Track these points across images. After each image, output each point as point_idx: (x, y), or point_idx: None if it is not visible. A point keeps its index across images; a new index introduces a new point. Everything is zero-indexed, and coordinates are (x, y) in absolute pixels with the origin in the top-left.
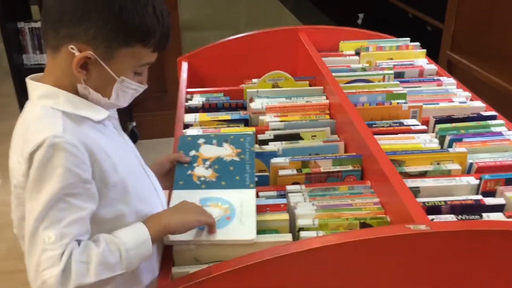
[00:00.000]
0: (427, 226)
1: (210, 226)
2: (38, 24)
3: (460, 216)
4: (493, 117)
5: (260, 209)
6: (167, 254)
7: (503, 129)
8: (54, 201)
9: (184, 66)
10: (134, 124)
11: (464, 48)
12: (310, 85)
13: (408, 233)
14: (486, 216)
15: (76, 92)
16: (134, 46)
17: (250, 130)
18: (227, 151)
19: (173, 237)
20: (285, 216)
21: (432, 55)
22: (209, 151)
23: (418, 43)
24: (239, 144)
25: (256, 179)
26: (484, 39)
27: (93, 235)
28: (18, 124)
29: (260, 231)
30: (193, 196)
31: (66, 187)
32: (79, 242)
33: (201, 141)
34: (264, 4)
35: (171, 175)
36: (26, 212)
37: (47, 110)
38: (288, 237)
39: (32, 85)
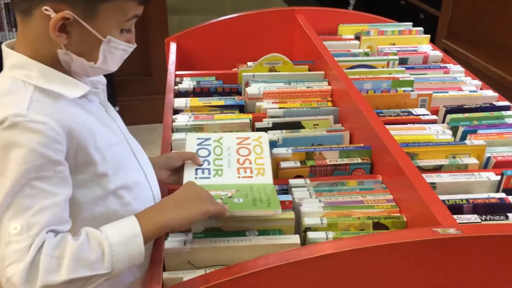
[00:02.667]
0: (457, 230)
1: (223, 216)
2: None
3: (484, 217)
4: (507, 108)
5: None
6: (157, 257)
7: None
8: (19, 187)
9: (173, 47)
10: (117, 109)
11: (461, 36)
12: (309, 70)
13: (436, 238)
14: None
15: (55, 60)
16: None
17: (247, 117)
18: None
19: None
20: (290, 215)
21: None
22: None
23: (421, 28)
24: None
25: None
26: (481, 28)
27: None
28: None
29: (262, 232)
30: None
31: (32, 169)
32: (56, 234)
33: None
34: None
35: (179, 173)
36: None
37: (17, 83)
38: (295, 239)
39: (6, 52)
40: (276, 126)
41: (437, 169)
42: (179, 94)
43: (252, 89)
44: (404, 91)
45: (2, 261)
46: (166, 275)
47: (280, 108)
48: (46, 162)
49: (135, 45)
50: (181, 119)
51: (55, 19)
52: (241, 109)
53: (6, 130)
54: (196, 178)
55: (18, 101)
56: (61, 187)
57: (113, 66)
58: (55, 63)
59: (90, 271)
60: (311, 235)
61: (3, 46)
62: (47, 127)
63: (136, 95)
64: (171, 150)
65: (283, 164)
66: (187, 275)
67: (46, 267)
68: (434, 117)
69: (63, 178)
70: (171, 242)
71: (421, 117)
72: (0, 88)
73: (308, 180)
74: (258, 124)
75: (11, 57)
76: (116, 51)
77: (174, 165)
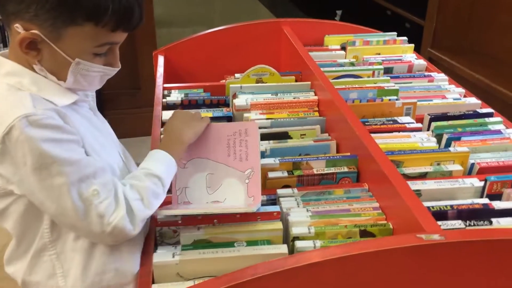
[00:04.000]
0: (440, 236)
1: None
2: None
3: (468, 222)
4: (489, 115)
5: (250, 218)
6: (146, 269)
7: (501, 127)
8: (69, 166)
9: (161, 60)
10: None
11: (446, 45)
12: (296, 81)
13: (420, 244)
14: (496, 221)
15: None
16: (83, 25)
17: None
18: None
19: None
20: (278, 225)
21: None
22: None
23: (405, 38)
24: None
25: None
26: (465, 36)
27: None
28: None
29: (250, 243)
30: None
31: (67, 149)
32: (122, 183)
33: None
34: (239, 1)
35: None
36: (42, 197)
37: (13, 88)
38: (283, 248)
39: (0, 61)
40: (263, 137)
41: (422, 176)
42: (167, 106)
43: (240, 101)
44: (390, 100)
45: (101, 218)
46: (155, 287)
47: (267, 119)
48: (72, 140)
49: (118, 67)
50: None
51: (21, 37)
52: (229, 120)
53: (25, 131)
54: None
55: (20, 103)
56: (94, 153)
57: (91, 86)
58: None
59: (160, 200)
60: (299, 244)
61: None
62: (55, 118)
63: (124, 108)
64: None
65: (271, 174)
66: (176, 287)
67: (137, 208)
68: (419, 125)
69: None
70: (160, 254)
71: (406, 125)
72: (0, 92)
73: (295, 190)
74: None
75: (4, 65)
76: (90, 73)
77: None
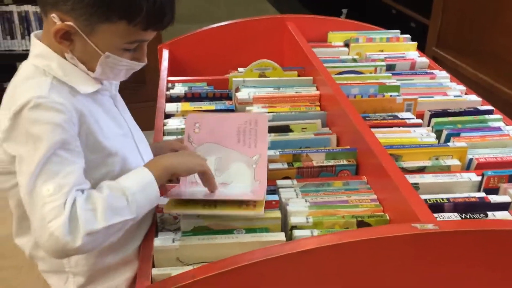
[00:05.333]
0: (435, 226)
1: (208, 179)
2: (8, 8)
3: (464, 215)
4: (490, 112)
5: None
6: (147, 254)
7: (501, 124)
8: (47, 156)
9: (165, 53)
10: None
11: (450, 44)
12: (298, 76)
13: (414, 233)
14: (492, 214)
15: None
16: (117, 23)
17: None
18: None
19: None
20: (277, 214)
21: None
22: None
23: (408, 36)
24: None
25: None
26: (470, 36)
27: None
28: (13, 79)
29: (249, 230)
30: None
31: (57, 141)
32: (82, 191)
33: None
34: None
35: None
36: (19, 175)
37: (38, 70)
38: (281, 236)
39: (33, 42)
40: None
41: (421, 170)
42: (171, 99)
43: (242, 94)
44: (391, 96)
45: (42, 221)
46: (155, 271)
47: (269, 112)
48: (69, 136)
49: (144, 63)
50: (172, 123)
51: (57, 28)
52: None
53: (31, 110)
54: None
55: (39, 85)
56: (79, 158)
57: (117, 77)
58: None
59: (120, 217)
60: (296, 233)
61: (32, 35)
62: (65, 108)
63: (129, 102)
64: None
65: (271, 166)
66: (175, 271)
67: (84, 218)
68: (419, 120)
69: (79, 152)
70: (161, 240)
71: (406, 120)
72: (24, 73)
73: (295, 181)
74: None
75: (37, 46)
76: (117, 66)
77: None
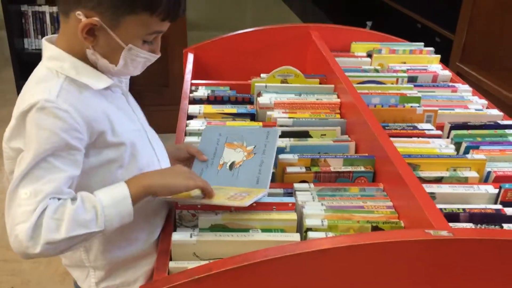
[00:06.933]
0: (449, 233)
1: (205, 190)
2: (42, 8)
3: (479, 225)
4: (510, 126)
5: (266, 207)
6: (165, 247)
7: None
8: (36, 161)
9: (190, 57)
10: None
11: (474, 60)
12: (320, 83)
13: (428, 239)
14: (507, 227)
15: (85, 56)
16: (140, 14)
17: (257, 125)
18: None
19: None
20: (293, 215)
21: None
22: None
23: (432, 48)
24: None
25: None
26: (495, 52)
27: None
28: (27, 81)
29: (265, 230)
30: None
31: (50, 149)
32: (58, 199)
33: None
34: (271, 7)
35: (186, 165)
36: (15, 171)
37: (51, 72)
38: (295, 236)
39: (45, 45)
40: (284, 135)
41: (438, 180)
42: (194, 101)
43: (264, 99)
44: (411, 106)
45: (12, 221)
46: (172, 264)
47: (289, 117)
48: (63, 144)
49: (158, 55)
50: (194, 124)
51: (84, 23)
52: (252, 117)
53: (37, 112)
54: (201, 174)
55: (49, 88)
56: (70, 166)
57: (135, 71)
58: (85, 59)
59: (85, 230)
60: (311, 235)
61: (43, 40)
62: (69, 115)
63: (152, 104)
64: None
65: (289, 169)
66: (192, 265)
67: (48, 227)
68: (439, 132)
69: (74, 161)
70: (179, 234)
71: (426, 131)
72: (38, 75)
73: (312, 185)
74: None
75: (49, 49)
76: (137, 58)
77: (179, 156)
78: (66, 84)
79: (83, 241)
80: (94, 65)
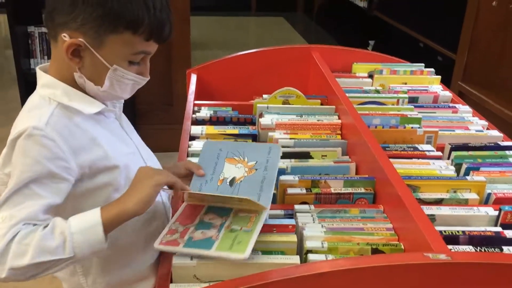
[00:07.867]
0: (447, 256)
1: (174, 186)
2: None
3: (479, 248)
4: (511, 148)
5: (266, 229)
6: (166, 269)
7: None
8: (19, 187)
9: (193, 78)
10: None
11: (476, 79)
12: (321, 104)
13: (426, 262)
14: (507, 249)
15: (75, 82)
16: (123, 33)
17: None
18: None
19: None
20: (293, 238)
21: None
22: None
23: (432, 69)
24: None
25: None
26: (496, 72)
27: None
28: (22, 109)
29: (265, 252)
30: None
31: (33, 176)
32: (33, 225)
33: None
34: (274, 28)
35: (185, 182)
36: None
37: (44, 100)
38: (295, 259)
39: (39, 74)
40: (286, 156)
41: (438, 202)
42: (196, 122)
43: (265, 120)
44: (412, 127)
45: None
46: (172, 286)
47: (291, 138)
48: (46, 172)
49: (147, 78)
50: (197, 145)
51: (68, 43)
52: (254, 138)
53: (24, 139)
54: (200, 189)
55: (40, 115)
56: (51, 194)
57: (123, 93)
58: (76, 84)
59: (51, 256)
60: (311, 257)
61: (37, 69)
62: (55, 144)
63: (156, 123)
64: None
65: (290, 190)
66: None
67: (14, 252)
68: (439, 153)
69: (57, 189)
70: (179, 257)
71: (426, 152)
72: (30, 103)
73: (312, 206)
74: None
75: (42, 77)
76: (124, 80)
77: (178, 173)
78: (58, 111)
79: (53, 267)
80: (84, 90)
